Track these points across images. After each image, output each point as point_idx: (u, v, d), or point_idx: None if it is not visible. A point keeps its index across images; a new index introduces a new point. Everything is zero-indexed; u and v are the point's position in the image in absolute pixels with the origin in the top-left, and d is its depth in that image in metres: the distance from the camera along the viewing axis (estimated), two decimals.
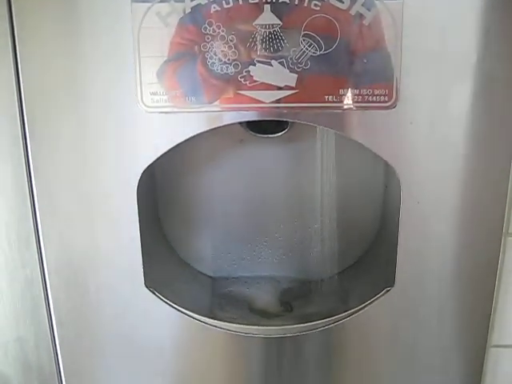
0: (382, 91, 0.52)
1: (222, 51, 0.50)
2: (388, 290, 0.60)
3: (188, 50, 0.51)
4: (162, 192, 0.70)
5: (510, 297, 0.64)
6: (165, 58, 0.51)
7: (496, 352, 0.66)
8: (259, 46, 0.50)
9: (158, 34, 0.50)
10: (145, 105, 0.52)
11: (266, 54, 0.51)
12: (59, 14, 0.51)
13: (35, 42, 0.52)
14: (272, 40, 0.50)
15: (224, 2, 0.49)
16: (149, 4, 0.49)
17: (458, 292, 0.61)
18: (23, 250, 0.59)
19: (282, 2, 0.49)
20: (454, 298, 0.61)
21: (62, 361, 0.63)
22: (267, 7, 0.49)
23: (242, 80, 0.51)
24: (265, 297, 0.70)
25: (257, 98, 0.52)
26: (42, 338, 0.63)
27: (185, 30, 0.50)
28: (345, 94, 0.52)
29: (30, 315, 0.62)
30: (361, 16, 0.50)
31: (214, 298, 0.70)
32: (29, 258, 0.59)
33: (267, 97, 0.52)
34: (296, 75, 0.51)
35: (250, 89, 0.52)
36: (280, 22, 0.50)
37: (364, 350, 0.64)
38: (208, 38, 0.50)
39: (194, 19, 0.50)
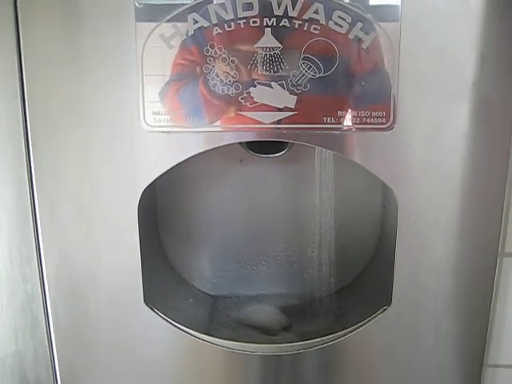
0: (380, 113, 0.53)
1: (224, 73, 0.51)
2: (385, 309, 0.60)
3: (190, 71, 0.51)
4: (162, 210, 0.70)
5: (506, 316, 0.64)
6: (167, 79, 0.52)
7: (493, 372, 0.66)
8: (260, 68, 0.51)
9: (162, 54, 0.51)
10: (147, 124, 0.53)
11: (266, 75, 0.51)
12: (64, 33, 0.52)
13: (40, 60, 0.52)
14: (272, 62, 0.51)
15: (226, 25, 0.50)
16: (153, 24, 0.50)
17: (454, 311, 0.61)
18: (24, 266, 0.59)
19: (283, 25, 0.50)
20: (450, 317, 0.61)
21: (60, 376, 0.63)
22: (268, 30, 0.50)
23: (243, 101, 0.52)
24: (263, 315, 0.70)
25: (257, 118, 0.52)
26: (41, 353, 0.62)
27: (187, 51, 0.51)
28: (343, 116, 0.52)
29: (29, 330, 0.62)
30: (359, 40, 0.50)
31: (213, 315, 0.70)
32: (29, 274, 0.59)
33: (267, 118, 0.52)
34: (295, 97, 0.52)
35: (251, 110, 0.52)
36: (280, 45, 0.50)
37: (361, 368, 0.64)
38: (210, 60, 0.51)
39: (197, 41, 0.51)
